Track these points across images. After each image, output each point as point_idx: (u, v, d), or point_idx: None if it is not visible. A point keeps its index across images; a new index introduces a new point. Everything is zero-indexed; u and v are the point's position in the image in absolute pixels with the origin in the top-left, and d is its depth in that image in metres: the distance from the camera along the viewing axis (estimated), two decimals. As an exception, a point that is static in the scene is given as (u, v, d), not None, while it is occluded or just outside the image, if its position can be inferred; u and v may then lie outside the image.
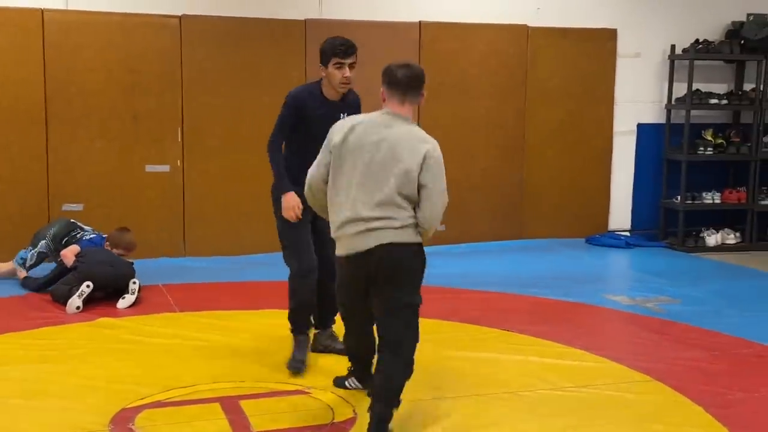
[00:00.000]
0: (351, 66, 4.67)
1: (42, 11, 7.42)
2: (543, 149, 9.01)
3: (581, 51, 9.01)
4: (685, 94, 9.01)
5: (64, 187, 7.62)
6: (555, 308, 6.27)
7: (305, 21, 8.14)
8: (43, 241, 6.76)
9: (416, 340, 3.92)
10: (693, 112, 9.03)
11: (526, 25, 8.83)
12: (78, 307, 5.94)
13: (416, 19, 8.46)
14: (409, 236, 3.82)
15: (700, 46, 8.98)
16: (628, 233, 9.32)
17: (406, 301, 3.86)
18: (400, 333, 3.86)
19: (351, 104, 4.80)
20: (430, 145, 3.89)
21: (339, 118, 4.32)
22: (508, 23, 8.77)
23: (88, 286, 6.02)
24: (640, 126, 9.37)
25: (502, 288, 6.84)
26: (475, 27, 8.66)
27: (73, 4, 7.58)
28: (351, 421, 4.01)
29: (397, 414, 3.85)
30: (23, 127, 7.48)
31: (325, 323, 5.07)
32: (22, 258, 6.78)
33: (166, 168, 7.94)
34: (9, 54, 7.38)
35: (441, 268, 7.58)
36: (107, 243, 6.67)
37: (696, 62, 8.97)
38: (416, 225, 3.83)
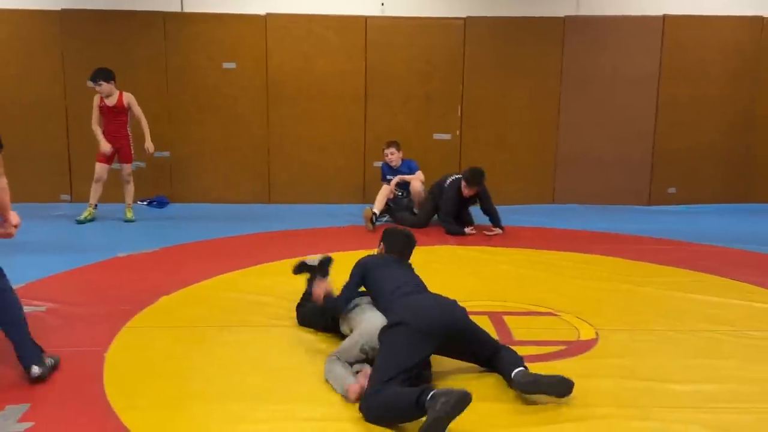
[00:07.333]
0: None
1: (365, 18, 7.69)
2: (772, 125, 7.82)
3: (817, 37, 7.64)
4: None
5: (375, 148, 7.85)
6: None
7: (564, 18, 7.68)
8: None
9: None
10: None
11: (761, 16, 7.66)
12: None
13: (661, 13, 7.65)
14: None
15: None
16: None
17: None
18: None
19: None
20: None
21: None
22: (744, 15, 7.66)
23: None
24: None
25: (726, 243, 6.07)
26: (714, 19, 7.65)
27: (389, 12, 7.77)
28: (594, 341, 3.74)
29: (636, 339, 3.50)
30: (348, 105, 7.85)
31: None
32: None
33: (448, 136, 7.96)
34: (341, 50, 7.74)
35: (674, 224, 6.95)
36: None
37: None
38: None
